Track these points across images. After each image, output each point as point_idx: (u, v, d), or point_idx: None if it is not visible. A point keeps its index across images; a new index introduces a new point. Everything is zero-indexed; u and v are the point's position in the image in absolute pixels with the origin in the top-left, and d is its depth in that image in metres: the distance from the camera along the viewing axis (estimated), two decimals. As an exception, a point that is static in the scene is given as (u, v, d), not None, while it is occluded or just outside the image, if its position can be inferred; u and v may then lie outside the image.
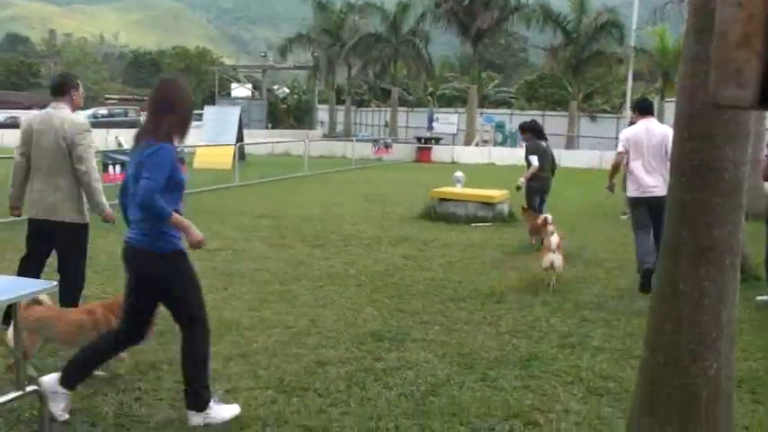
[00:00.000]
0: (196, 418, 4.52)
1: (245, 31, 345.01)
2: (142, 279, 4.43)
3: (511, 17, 40.50)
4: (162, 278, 4.38)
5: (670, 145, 4.46)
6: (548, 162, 11.86)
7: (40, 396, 4.25)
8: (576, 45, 38.87)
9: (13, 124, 52.28)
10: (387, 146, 34.26)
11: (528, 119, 13.56)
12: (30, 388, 4.13)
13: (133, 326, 4.58)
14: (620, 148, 8.68)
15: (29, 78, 75.24)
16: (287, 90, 67.96)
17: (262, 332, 6.48)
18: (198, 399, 4.54)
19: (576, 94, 40.67)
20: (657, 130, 8.43)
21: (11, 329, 4.49)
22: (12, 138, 37.54)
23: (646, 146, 8.37)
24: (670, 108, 27.76)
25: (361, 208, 15.53)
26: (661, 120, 29.22)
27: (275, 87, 67.49)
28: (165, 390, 5.11)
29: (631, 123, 14.70)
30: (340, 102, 53.30)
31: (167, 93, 4.38)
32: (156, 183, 4.03)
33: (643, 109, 8.89)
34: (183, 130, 4.38)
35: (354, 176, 23.79)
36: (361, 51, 47.03)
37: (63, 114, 6.14)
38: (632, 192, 8.61)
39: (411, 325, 6.83)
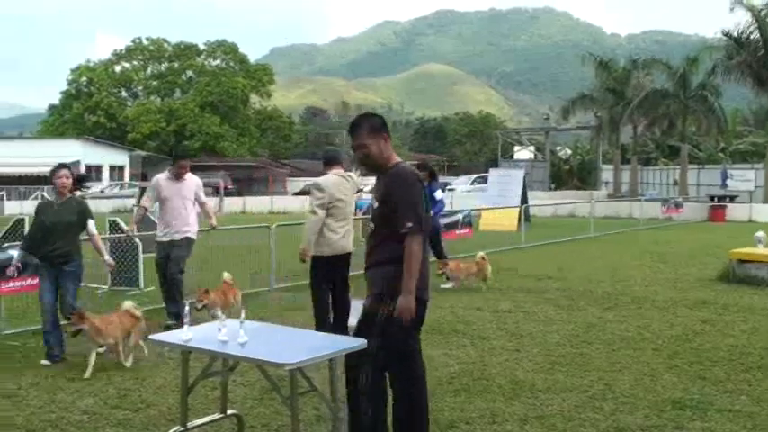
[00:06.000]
0: None
1: (526, 94, 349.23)
2: None
3: (814, 64, 37.56)
4: None
5: None
6: None
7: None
8: None
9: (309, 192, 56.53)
10: (677, 205, 32.82)
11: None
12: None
13: None
14: None
15: (325, 148, 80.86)
16: (569, 151, 67.58)
17: (556, 395, 6.42)
18: None
19: None
20: None
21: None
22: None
23: None
24: None
25: (652, 269, 14.97)
26: None
27: (557, 149, 67.38)
28: (464, 448, 5.22)
29: None
30: (625, 161, 52.01)
31: None
32: None
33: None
34: None
35: (643, 237, 23.01)
36: (646, 109, 45.65)
37: None
38: None
39: (714, 393, 6.46)
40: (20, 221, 14.81)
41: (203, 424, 4.77)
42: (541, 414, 5.93)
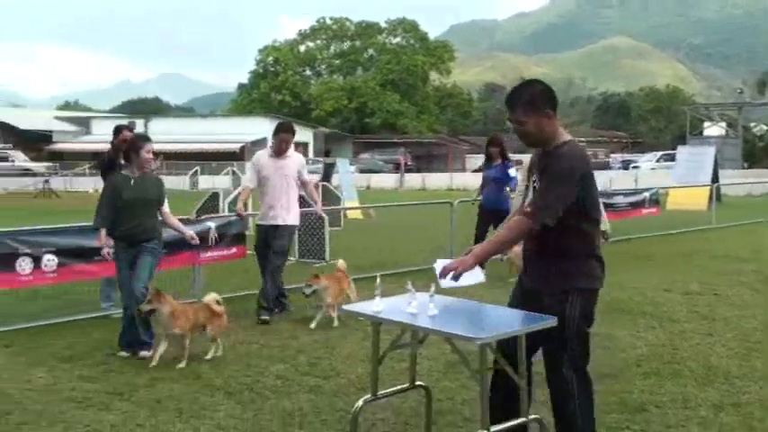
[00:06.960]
0: None
1: (717, 67, 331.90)
2: None
3: None
4: None
5: None
6: None
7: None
8: None
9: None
10: None
11: None
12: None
13: None
14: None
15: (504, 126, 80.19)
16: (765, 127, 63.78)
17: (754, 382, 6.11)
18: None
19: None
20: None
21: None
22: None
23: None
24: None
25: None
26: None
27: (752, 125, 63.70)
28: (655, 432, 5.08)
29: None
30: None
31: None
32: None
33: None
34: None
35: None
36: None
37: None
38: None
39: None
40: (214, 195, 15.69)
41: (392, 393, 4.86)
42: (737, 401, 5.66)
